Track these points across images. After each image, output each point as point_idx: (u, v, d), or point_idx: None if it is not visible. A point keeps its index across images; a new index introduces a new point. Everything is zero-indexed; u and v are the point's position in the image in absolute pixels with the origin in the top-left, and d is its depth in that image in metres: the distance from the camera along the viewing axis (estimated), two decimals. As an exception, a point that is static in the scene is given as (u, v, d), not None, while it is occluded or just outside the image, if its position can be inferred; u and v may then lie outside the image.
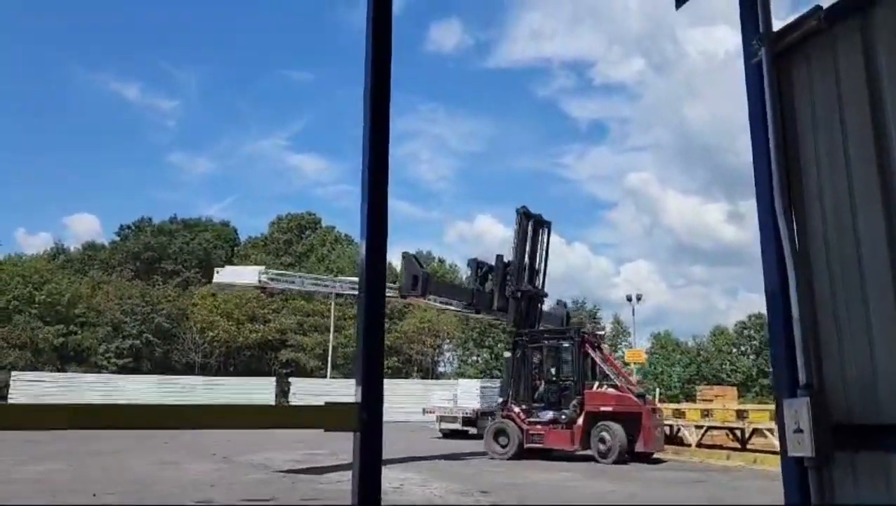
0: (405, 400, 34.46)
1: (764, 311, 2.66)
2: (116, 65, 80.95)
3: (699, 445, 19.11)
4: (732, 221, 76.26)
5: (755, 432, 18.28)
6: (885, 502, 2.19)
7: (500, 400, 18.62)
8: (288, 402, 39.74)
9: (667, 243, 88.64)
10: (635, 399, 17.34)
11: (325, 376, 45.65)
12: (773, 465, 15.26)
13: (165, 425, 1.41)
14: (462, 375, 47.37)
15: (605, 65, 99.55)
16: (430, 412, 26.46)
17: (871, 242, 2.27)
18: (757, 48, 2.59)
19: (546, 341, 18.66)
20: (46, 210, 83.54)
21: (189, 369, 48.74)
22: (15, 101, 72.25)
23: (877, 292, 2.23)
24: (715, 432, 19.99)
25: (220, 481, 12.73)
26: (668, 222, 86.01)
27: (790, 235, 2.45)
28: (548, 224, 20.23)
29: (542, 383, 18.36)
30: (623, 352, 57.08)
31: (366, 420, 1.61)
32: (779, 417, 2.40)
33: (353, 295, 35.03)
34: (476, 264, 19.92)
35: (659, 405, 23.97)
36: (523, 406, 17.78)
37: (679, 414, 21.00)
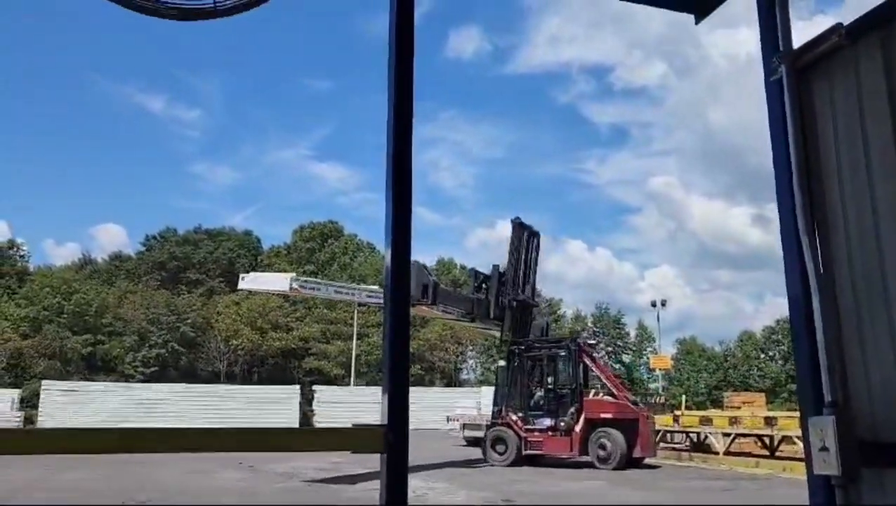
0: (429, 408, 34.47)
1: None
2: (141, 77, 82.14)
3: (727, 452, 18.87)
4: (758, 225, 75.31)
5: (784, 439, 18.04)
6: (914, 520, 2.18)
7: (495, 408, 18.73)
8: (312, 410, 40.00)
9: (691, 248, 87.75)
10: (632, 406, 17.95)
11: (348, 384, 45.79)
12: (803, 473, 15.00)
13: (200, 449, 1.45)
14: (485, 382, 47.22)
15: (625, 69, 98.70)
16: (455, 420, 26.43)
17: (895, 257, 2.26)
18: (777, 65, 2.60)
19: (543, 350, 19.00)
20: (74, 221, 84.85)
21: (214, 378, 49.17)
22: (41, 114, 73.63)
23: (902, 307, 2.22)
24: (743, 440, 19.74)
25: (246, 489, 12.85)
26: (692, 227, 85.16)
27: (813, 253, 2.44)
28: (537, 234, 20.67)
29: (538, 390, 18.70)
30: (648, 358, 56.66)
31: (392, 442, 1.63)
32: (804, 434, 2.39)
33: (377, 303, 35.09)
34: (475, 274, 20.36)
35: (683, 412, 23.79)
36: (520, 414, 18.04)
37: (706, 421, 20.77)
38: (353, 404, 37.55)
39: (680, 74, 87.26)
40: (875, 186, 2.35)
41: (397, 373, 1.68)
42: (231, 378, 50.37)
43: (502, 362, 18.90)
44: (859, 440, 2.26)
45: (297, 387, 41.10)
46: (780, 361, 58.22)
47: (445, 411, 30.04)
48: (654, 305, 50.90)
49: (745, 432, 19.25)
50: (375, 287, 32.01)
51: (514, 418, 17.95)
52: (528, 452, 17.72)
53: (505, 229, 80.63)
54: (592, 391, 18.54)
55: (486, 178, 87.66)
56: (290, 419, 37.84)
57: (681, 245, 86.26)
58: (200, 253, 61.55)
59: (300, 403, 39.32)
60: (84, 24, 71.38)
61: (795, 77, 2.58)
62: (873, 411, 2.29)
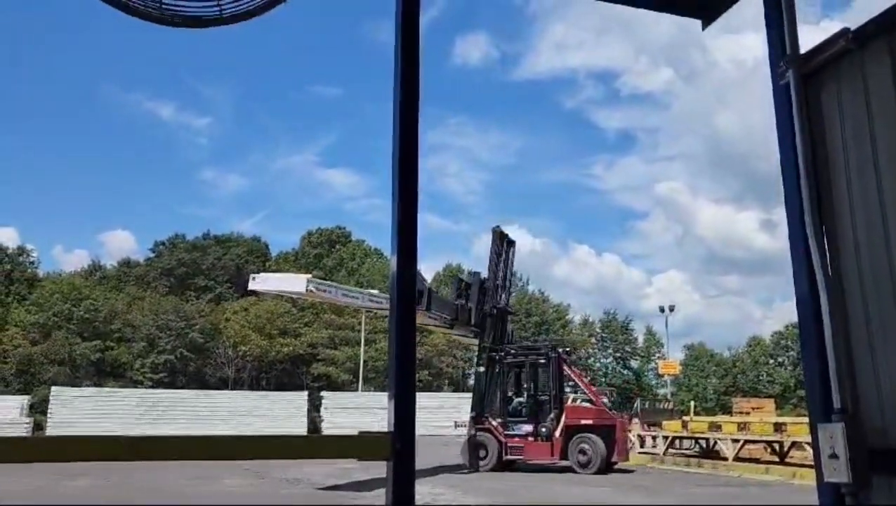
0: (436, 413, 34.48)
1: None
2: (150, 84, 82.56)
3: (736, 458, 18.77)
4: (766, 230, 75.02)
5: (794, 445, 17.93)
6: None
7: (472, 414, 18.84)
8: (320, 416, 40.07)
9: (699, 253, 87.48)
10: (610, 413, 18.63)
11: (356, 390, 45.81)
12: (813, 480, 14.91)
13: (207, 456, 1.44)
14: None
15: (632, 75, 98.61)
16: (462, 426, 26.38)
17: (905, 261, 2.25)
18: (784, 70, 2.59)
19: (522, 358, 19.40)
20: (82, 227, 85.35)
21: (223, 384, 49.26)
22: (51, 120, 74.12)
23: (912, 312, 2.21)
24: (752, 446, 19.64)
25: (252, 496, 12.84)
26: (699, 232, 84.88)
27: (821, 257, 2.43)
28: (514, 243, 21.12)
29: (517, 397, 19.07)
30: (656, 364, 56.45)
31: (399, 449, 1.62)
32: (814, 441, 2.37)
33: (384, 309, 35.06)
34: (458, 281, 20.66)
35: (692, 418, 23.68)
36: (500, 420, 18.27)
37: (715, 427, 20.67)
38: (361, 410, 37.57)
39: (686, 80, 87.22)
40: (883, 189, 2.34)
41: (403, 379, 1.67)
42: (239, 384, 50.44)
43: (481, 369, 19.00)
44: (869, 447, 2.24)
45: (305, 393, 41.16)
46: (789, 367, 57.90)
47: (453, 416, 30.05)
48: (662, 310, 50.86)
49: (755, 438, 19.16)
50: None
51: (495, 423, 18.20)
52: (509, 457, 18.00)
53: (511, 235, 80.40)
54: (571, 397, 18.99)
55: (493, 184, 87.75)
56: (299, 425, 38.01)
57: (688, 250, 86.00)
58: (209, 259, 61.71)
59: (308, 408, 39.38)
60: (92, 31, 71.84)
61: (803, 81, 2.57)
62: (884, 417, 2.27)
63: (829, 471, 2.27)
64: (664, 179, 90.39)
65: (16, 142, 71.36)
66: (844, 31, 2.46)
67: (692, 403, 33.31)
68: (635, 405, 29.00)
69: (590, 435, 17.40)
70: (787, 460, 18.19)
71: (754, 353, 61.01)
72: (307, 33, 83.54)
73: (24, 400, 37.48)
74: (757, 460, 19.01)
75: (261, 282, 19.15)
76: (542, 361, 18.74)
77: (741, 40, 71.69)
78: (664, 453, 20.85)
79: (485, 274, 19.91)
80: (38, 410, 37.86)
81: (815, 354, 2.43)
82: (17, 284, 54.53)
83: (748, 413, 23.85)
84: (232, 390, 45.43)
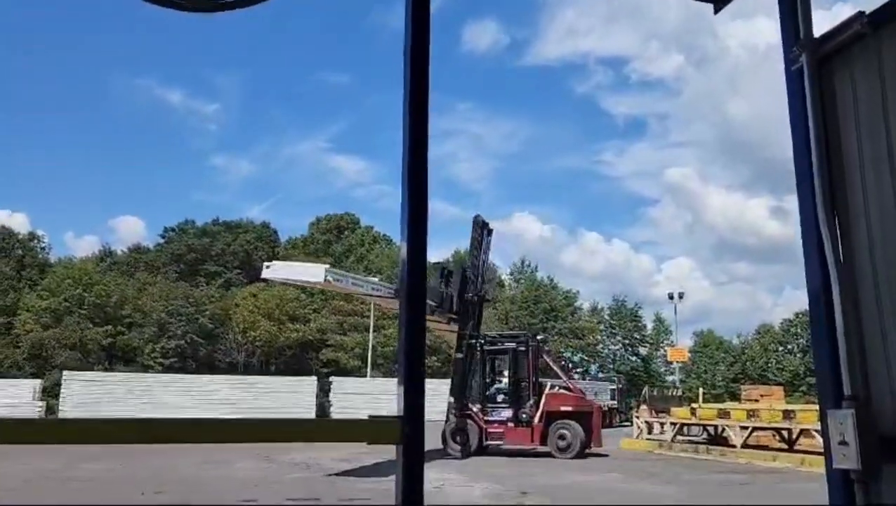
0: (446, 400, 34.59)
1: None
2: (159, 70, 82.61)
3: (745, 445, 18.77)
4: (777, 217, 74.67)
5: (803, 432, 17.89)
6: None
7: (451, 400, 19.10)
8: (329, 401, 40.37)
9: (709, 240, 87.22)
10: (588, 400, 19.41)
11: (365, 375, 46.03)
12: (821, 466, 14.90)
13: (218, 439, 1.46)
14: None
15: (642, 61, 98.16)
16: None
17: (918, 248, 2.23)
18: (798, 55, 2.56)
19: (501, 345, 19.94)
20: (93, 213, 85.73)
21: (232, 369, 49.55)
22: (61, 107, 74.31)
23: (925, 300, 2.19)
24: (761, 433, 19.63)
25: (263, 480, 12.95)
26: (710, 219, 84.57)
27: (833, 244, 2.41)
28: (491, 232, 21.33)
29: (496, 383, 19.55)
30: (665, 351, 56.41)
31: (409, 434, 1.63)
32: (823, 428, 2.37)
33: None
34: (442, 269, 21.02)
35: (701, 405, 23.68)
36: (479, 406, 18.62)
37: (724, 414, 20.66)
38: (370, 396, 37.80)
39: (697, 66, 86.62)
40: (897, 175, 2.31)
41: (413, 365, 1.68)
42: (249, 369, 50.72)
43: (459, 355, 19.17)
44: (880, 434, 2.24)
45: (314, 378, 41.40)
46: (798, 355, 57.78)
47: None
48: (671, 297, 50.75)
49: (763, 425, 19.14)
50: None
51: (475, 409, 18.53)
52: (489, 442, 18.38)
53: (520, 222, 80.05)
54: (549, 384, 19.31)
55: (502, 170, 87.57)
56: (307, 409, 38.40)
57: (698, 237, 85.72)
58: (218, 245, 61.95)
59: (317, 393, 39.67)
60: (102, 17, 71.84)
61: (816, 66, 2.54)
62: (895, 404, 2.26)
63: (839, 458, 2.27)
64: (674, 165, 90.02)
65: (25, 129, 71.69)
66: (859, 15, 2.42)
67: (700, 390, 33.31)
68: (643, 392, 29.01)
69: (569, 421, 17.98)
70: (796, 447, 18.17)
71: (763, 340, 60.90)
72: (316, 20, 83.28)
73: (36, 384, 37.85)
74: (765, 448, 19.00)
75: (275, 270, 18.66)
76: (521, 348, 19.15)
77: (753, 25, 71.10)
78: (672, 440, 20.88)
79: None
80: (51, 393, 38.24)
81: (826, 341, 2.42)
82: (28, 270, 54.93)
83: (757, 400, 23.76)
84: (241, 375, 45.67)
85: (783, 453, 17.89)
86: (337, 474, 13.66)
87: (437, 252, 65.61)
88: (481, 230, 20.60)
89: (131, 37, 74.19)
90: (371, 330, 47.92)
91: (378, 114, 79.51)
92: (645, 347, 63.13)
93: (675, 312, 51.54)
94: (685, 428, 21.80)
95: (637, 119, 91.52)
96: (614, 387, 39.77)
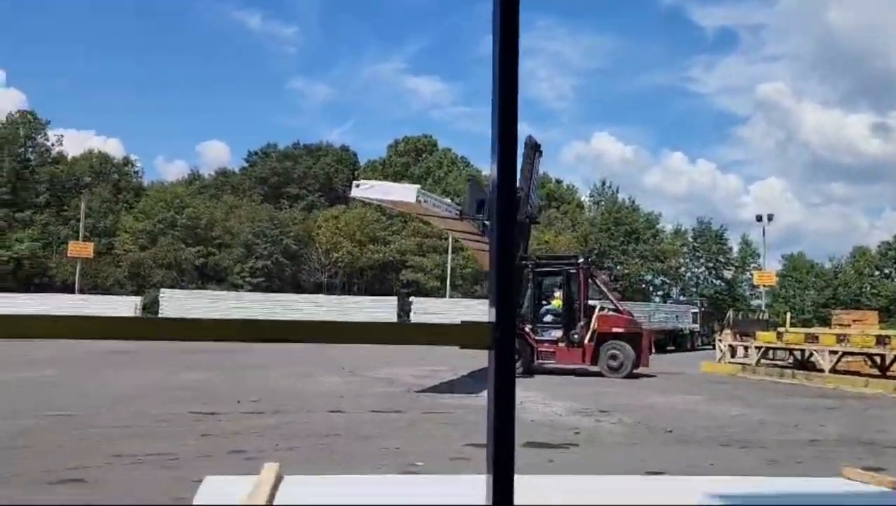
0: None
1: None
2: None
3: (833, 371, 18.22)
4: (878, 134, 70.02)
5: (898, 358, 17.24)
6: None
7: None
8: (409, 320, 41.54)
9: (802, 159, 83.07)
10: (637, 322, 19.91)
11: (444, 296, 46.82)
12: (917, 394, 14.40)
13: (315, 338, 1.47)
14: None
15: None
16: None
17: None
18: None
19: (553, 267, 20.24)
20: (181, 138, 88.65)
21: (316, 289, 51.28)
22: (146, 34, 76.04)
23: None
24: (851, 359, 19.00)
25: (348, 393, 13.51)
26: (803, 137, 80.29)
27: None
28: (541, 153, 20.93)
29: (547, 305, 19.62)
30: (751, 275, 54.79)
31: (499, 338, 1.62)
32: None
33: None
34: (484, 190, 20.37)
35: (788, 329, 23.03)
36: (529, 326, 18.80)
37: (812, 339, 20.05)
38: (448, 315, 38.52)
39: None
40: None
41: (504, 276, 1.64)
42: (332, 289, 52.37)
43: None
44: None
45: (395, 298, 42.47)
46: (896, 279, 55.11)
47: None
48: (759, 219, 48.85)
49: (854, 350, 18.48)
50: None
51: (527, 329, 18.74)
52: (540, 362, 18.76)
53: (601, 143, 78.13)
54: (598, 307, 19.41)
55: (584, 88, 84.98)
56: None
57: (790, 156, 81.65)
58: (300, 168, 63.17)
59: (398, 313, 40.77)
60: (182, -59, 72.17)
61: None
62: None
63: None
64: (767, 80, 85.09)
65: (114, 58, 73.88)
66: None
67: (788, 314, 32.35)
68: (727, 316, 28.41)
69: (620, 342, 18.49)
70: (890, 373, 17.53)
71: (858, 264, 58.28)
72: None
73: (136, 301, 40.35)
74: (857, 373, 18.42)
75: (365, 189, 17.99)
76: (572, 271, 19.38)
77: (863, -78, 64.94)
78: (756, 364, 20.50)
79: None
80: (150, 310, 40.72)
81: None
82: (124, 193, 57.66)
83: (849, 325, 22.94)
84: (325, 294, 47.26)
85: (875, 379, 17.30)
86: (418, 391, 14.09)
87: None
88: (532, 151, 20.44)
89: (210, -40, 74.48)
90: (450, 251, 48.39)
91: (456, 33, 78.00)
92: (730, 270, 61.47)
93: (763, 235, 49.71)
94: (770, 352, 21.32)
95: (728, 31, 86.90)
96: (696, 311, 39.13)
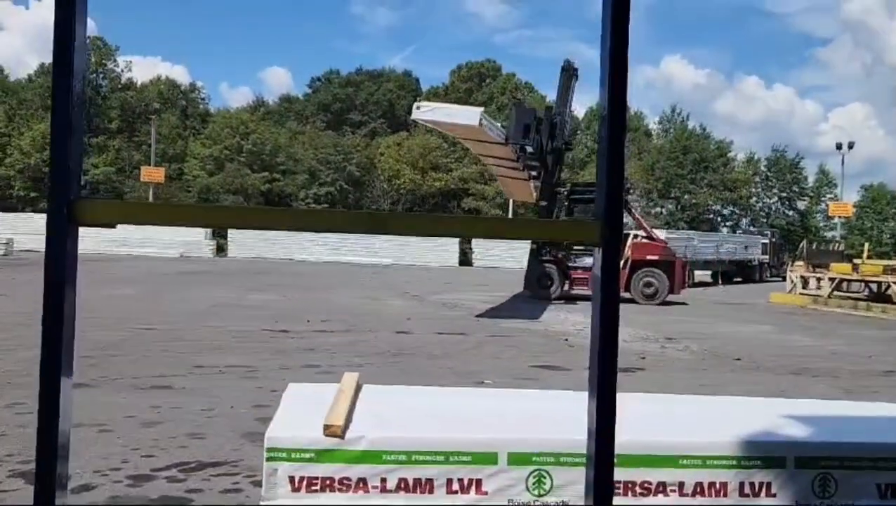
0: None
1: None
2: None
3: (912, 303, 17.56)
4: (977, 56, 65.04)
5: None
6: None
7: (533, 246, 19.38)
8: (471, 249, 41.83)
9: (890, 83, 78.08)
10: (670, 250, 20.16)
11: (505, 224, 46.69)
12: None
13: (414, 232, 1.46)
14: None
15: None
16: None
17: None
18: None
19: (586, 194, 19.59)
20: (244, 65, 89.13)
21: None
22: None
23: None
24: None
25: (414, 315, 13.75)
26: (893, 59, 75.21)
27: None
28: (578, 77, 20.29)
29: None
30: (827, 205, 52.71)
31: (607, 237, 1.60)
32: None
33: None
34: (533, 115, 19.53)
35: (864, 261, 22.24)
36: (562, 253, 18.89)
37: (890, 271, 19.31)
38: (509, 245, 38.45)
39: None
40: None
41: (613, 175, 1.61)
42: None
43: (543, 203, 19.01)
44: None
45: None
46: None
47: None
48: (838, 147, 46.61)
49: (936, 283, 17.73)
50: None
51: (560, 255, 18.84)
52: (575, 289, 18.90)
53: (671, 67, 74.99)
54: (632, 235, 19.18)
55: (655, 7, 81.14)
56: (452, 255, 40.37)
57: (877, 81, 76.96)
58: (362, 95, 62.95)
59: (460, 241, 40.97)
60: None
61: None
62: None
63: None
64: (855, -3, 79.48)
65: (180, -20, 73.96)
66: None
67: (865, 245, 31.15)
68: (800, 246, 27.50)
69: (655, 270, 18.60)
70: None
71: (943, 196, 55.30)
72: None
73: (206, 224, 41.65)
74: (937, 307, 17.72)
75: (427, 111, 17.39)
76: None
77: None
78: (829, 296, 19.93)
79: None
80: (219, 234, 42.01)
81: None
82: (191, 119, 58.71)
83: (930, 259, 21.98)
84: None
85: (957, 313, 16.63)
86: (479, 315, 14.27)
87: (580, 100, 63.41)
88: (569, 75, 19.92)
89: None
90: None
91: (521, -49, 74.87)
92: (804, 201, 59.20)
93: (843, 164, 47.47)
94: (844, 284, 20.66)
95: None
96: (766, 241, 38.04)
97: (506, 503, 2.92)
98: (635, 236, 19.32)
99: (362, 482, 2.88)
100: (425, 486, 2.90)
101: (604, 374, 1.44)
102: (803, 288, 21.69)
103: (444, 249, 41.06)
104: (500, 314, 14.72)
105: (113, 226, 1.25)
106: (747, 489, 2.95)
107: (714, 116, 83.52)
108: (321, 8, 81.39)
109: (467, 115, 16.67)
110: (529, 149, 18.13)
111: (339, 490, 2.88)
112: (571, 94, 20.38)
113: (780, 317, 16.72)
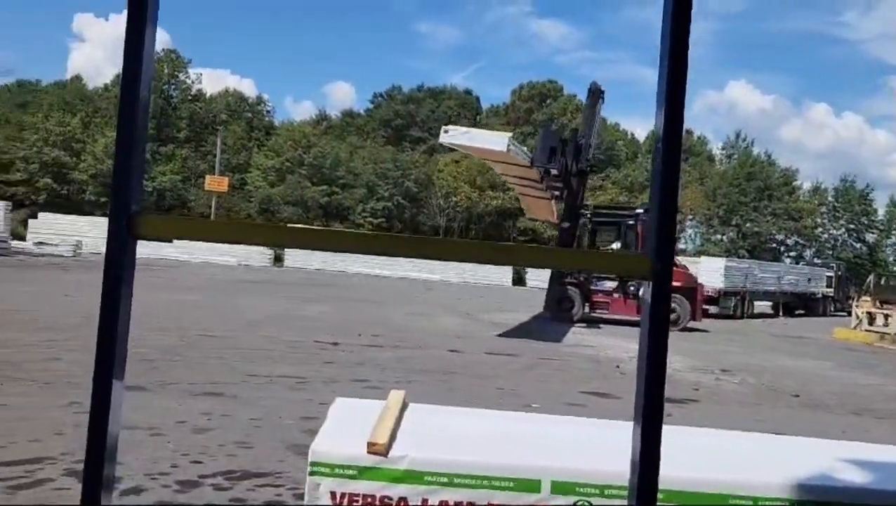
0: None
1: None
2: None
3: None
4: None
5: None
6: None
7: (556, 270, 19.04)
8: (524, 268, 41.64)
9: (968, 115, 74.71)
10: (692, 276, 20.15)
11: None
12: None
13: (462, 258, 1.45)
14: (704, 253, 45.35)
15: None
16: (671, 291, 26.01)
17: None
18: None
19: (610, 218, 19.99)
20: (309, 79, 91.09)
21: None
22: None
23: None
24: None
25: (464, 333, 13.73)
26: (973, 90, 72.06)
27: None
28: (604, 100, 20.30)
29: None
30: (895, 238, 50.65)
31: (658, 270, 1.57)
32: None
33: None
34: (559, 137, 19.55)
35: None
36: (584, 276, 18.61)
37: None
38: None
39: None
40: None
41: (665, 208, 1.57)
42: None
43: (566, 225, 18.85)
44: None
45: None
46: None
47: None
48: (912, 179, 44.77)
49: None
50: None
51: (582, 278, 18.62)
52: (595, 312, 18.77)
53: (736, 91, 73.66)
54: None
55: (723, 33, 80.00)
56: (503, 276, 40.26)
57: (956, 112, 73.65)
58: (423, 111, 63.60)
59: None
60: None
61: None
62: None
63: None
64: (935, 25, 76.64)
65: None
66: None
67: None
68: (868, 280, 26.48)
69: (676, 295, 18.13)
70: None
71: None
72: None
73: (266, 235, 42.59)
74: None
75: (452, 136, 17.05)
76: (630, 222, 18.93)
77: None
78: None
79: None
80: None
81: None
82: (256, 131, 60.25)
83: None
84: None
85: None
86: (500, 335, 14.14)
87: (642, 123, 62.62)
88: (595, 98, 19.87)
89: None
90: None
91: (586, -27, 74.82)
92: (873, 233, 57.06)
93: (916, 197, 45.58)
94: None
95: (892, -30, 78.27)
96: (831, 274, 36.75)
97: (547, 533, 2.87)
98: None
99: (403, 502, 2.88)
100: (466, 509, 2.87)
101: (650, 404, 1.41)
102: (869, 324, 20.88)
103: (497, 268, 41.04)
104: (528, 335, 14.50)
105: (170, 240, 1.29)
106: (800, 535, 2.83)
107: (779, 143, 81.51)
108: (386, 25, 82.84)
109: (495, 141, 16.55)
110: (554, 171, 18.06)
111: (380, 508, 2.88)
112: (598, 117, 20.47)
113: (843, 353, 16.11)
